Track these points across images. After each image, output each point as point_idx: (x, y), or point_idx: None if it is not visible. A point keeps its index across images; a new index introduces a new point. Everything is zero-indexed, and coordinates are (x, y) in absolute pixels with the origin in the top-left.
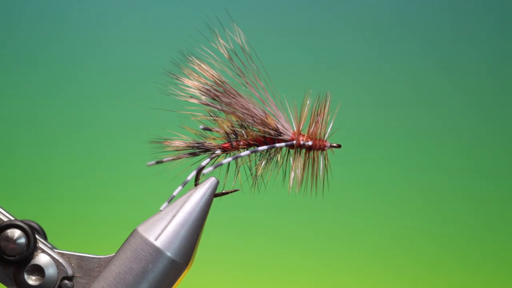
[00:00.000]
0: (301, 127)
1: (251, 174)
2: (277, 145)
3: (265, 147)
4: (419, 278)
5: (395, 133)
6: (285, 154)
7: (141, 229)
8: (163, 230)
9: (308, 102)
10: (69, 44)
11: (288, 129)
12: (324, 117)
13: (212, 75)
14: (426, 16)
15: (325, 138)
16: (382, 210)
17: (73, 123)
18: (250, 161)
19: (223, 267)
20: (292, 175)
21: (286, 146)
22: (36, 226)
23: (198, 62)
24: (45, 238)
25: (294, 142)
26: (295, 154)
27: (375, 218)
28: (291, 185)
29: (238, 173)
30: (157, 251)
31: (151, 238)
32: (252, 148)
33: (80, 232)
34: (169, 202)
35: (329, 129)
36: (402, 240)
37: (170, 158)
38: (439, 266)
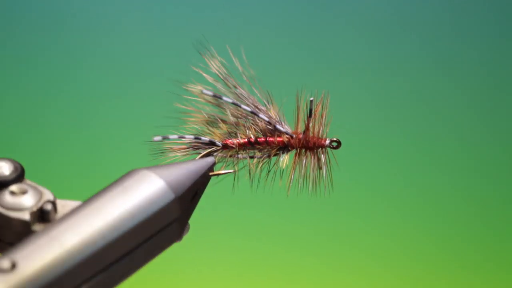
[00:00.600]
0: (299, 128)
1: (249, 171)
2: (278, 127)
3: (266, 118)
4: (419, 278)
5: (395, 133)
6: (285, 154)
7: (140, 168)
8: (165, 171)
9: (304, 102)
10: (69, 44)
11: (288, 130)
12: (322, 116)
13: (222, 70)
14: (426, 16)
15: (324, 135)
16: (382, 210)
17: (73, 123)
18: (247, 152)
19: (222, 267)
20: (292, 175)
21: (286, 136)
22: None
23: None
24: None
25: (294, 135)
26: (295, 155)
27: (375, 218)
28: (290, 185)
29: (237, 162)
30: (160, 184)
31: (151, 172)
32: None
33: None
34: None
35: (327, 128)
36: (402, 240)
37: (176, 136)
38: (439, 266)
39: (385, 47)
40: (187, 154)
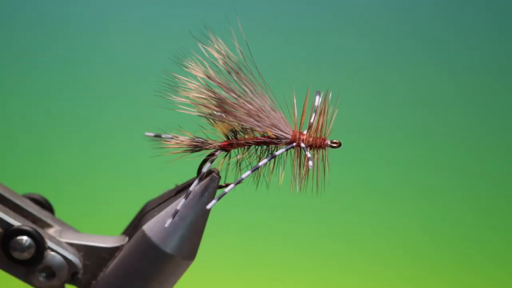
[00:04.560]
0: (301, 126)
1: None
2: (277, 153)
3: (265, 161)
4: (419, 278)
5: (395, 133)
6: (286, 154)
7: (146, 227)
8: (163, 228)
9: (307, 100)
10: (69, 44)
11: (288, 130)
12: (324, 115)
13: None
14: (426, 16)
15: (326, 136)
16: (381, 210)
17: (74, 122)
18: (250, 156)
19: (223, 267)
20: (294, 174)
21: (286, 150)
22: (42, 200)
23: (194, 67)
24: (52, 212)
25: (294, 144)
26: (295, 154)
27: (375, 218)
28: (292, 184)
29: (239, 167)
30: (155, 248)
31: (151, 234)
32: (252, 167)
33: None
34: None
35: (329, 128)
36: (402, 240)
37: (170, 136)
38: (439, 266)
39: (385, 46)
40: (185, 155)
